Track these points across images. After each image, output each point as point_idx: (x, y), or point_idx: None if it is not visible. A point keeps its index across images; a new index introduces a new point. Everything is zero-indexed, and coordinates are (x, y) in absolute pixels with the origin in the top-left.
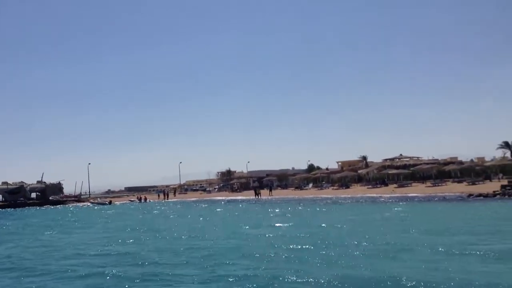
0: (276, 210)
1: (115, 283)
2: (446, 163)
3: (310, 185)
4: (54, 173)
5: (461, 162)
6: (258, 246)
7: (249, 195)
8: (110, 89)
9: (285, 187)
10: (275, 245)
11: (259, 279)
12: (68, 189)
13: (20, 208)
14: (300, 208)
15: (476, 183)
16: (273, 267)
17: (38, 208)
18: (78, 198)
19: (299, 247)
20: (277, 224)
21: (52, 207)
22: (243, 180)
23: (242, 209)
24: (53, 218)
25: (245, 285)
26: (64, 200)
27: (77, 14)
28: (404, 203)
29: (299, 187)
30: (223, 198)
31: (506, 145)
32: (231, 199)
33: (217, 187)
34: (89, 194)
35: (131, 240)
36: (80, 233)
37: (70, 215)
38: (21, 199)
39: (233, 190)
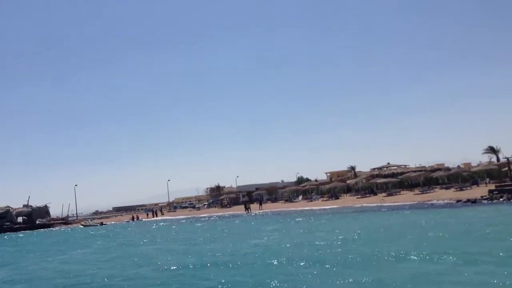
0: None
1: None
2: (433, 170)
3: (300, 197)
4: (41, 196)
5: (448, 169)
6: None
7: (239, 210)
8: (94, 109)
9: (275, 200)
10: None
11: None
12: (54, 212)
13: (8, 233)
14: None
15: (464, 188)
16: None
17: (26, 232)
18: (65, 221)
19: None
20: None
21: (48, 230)
22: (232, 195)
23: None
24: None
25: None
26: (52, 224)
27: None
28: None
29: (289, 199)
30: (212, 214)
31: (491, 149)
32: (221, 215)
33: (206, 203)
34: (77, 216)
35: None
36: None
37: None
38: (7, 224)
39: (222, 206)
